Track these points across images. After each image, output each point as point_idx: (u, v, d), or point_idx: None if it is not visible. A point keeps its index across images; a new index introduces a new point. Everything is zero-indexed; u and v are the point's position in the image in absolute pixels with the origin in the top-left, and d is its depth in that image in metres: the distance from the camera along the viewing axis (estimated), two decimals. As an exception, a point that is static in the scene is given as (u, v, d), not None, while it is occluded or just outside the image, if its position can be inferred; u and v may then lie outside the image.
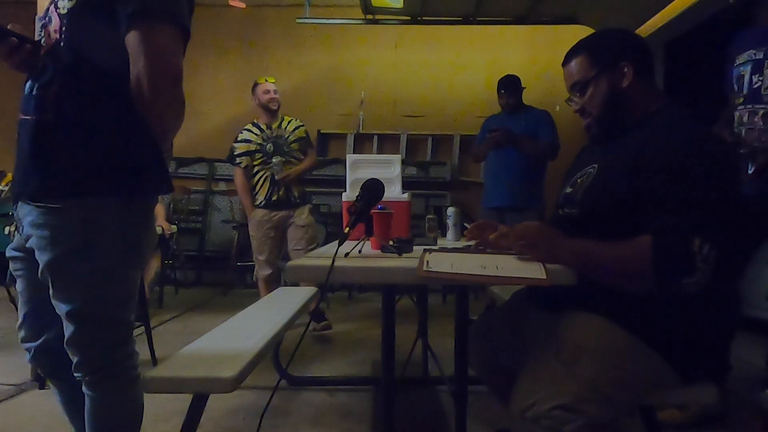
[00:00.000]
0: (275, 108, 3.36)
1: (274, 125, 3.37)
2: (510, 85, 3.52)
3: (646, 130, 1.17)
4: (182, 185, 5.23)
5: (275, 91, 3.36)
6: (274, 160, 3.29)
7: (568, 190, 1.31)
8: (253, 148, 3.36)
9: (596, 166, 1.26)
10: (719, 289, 1.12)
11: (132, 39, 1.04)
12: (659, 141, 1.11)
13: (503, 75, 3.62)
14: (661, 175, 1.07)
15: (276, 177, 3.29)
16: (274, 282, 3.42)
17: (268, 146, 3.33)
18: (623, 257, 1.07)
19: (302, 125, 3.46)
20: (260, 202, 3.37)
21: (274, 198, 3.33)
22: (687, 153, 1.07)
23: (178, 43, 1.09)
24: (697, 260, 1.00)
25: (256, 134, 3.37)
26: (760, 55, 1.97)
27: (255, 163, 3.36)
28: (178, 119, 1.15)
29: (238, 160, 3.38)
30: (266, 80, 3.38)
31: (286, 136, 3.37)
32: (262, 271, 3.43)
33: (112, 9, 1.05)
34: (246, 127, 3.43)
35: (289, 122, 3.42)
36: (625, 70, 1.24)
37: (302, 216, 3.38)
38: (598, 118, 1.28)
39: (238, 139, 3.41)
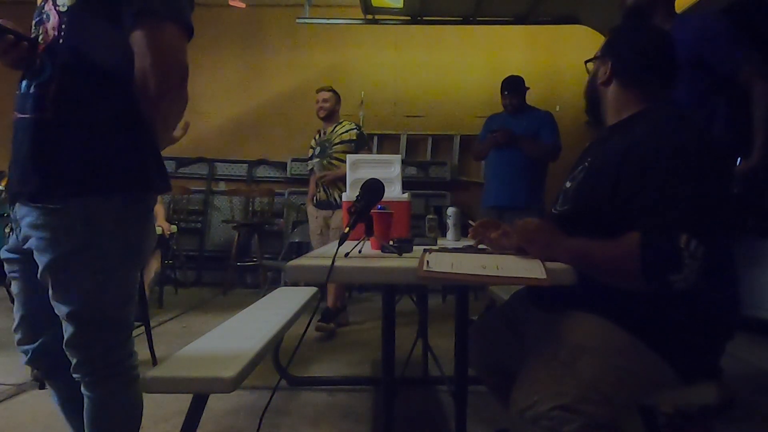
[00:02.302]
0: (322, 116, 3.62)
1: (329, 130, 3.61)
2: (513, 86, 3.51)
3: (635, 129, 1.18)
4: (182, 185, 5.23)
5: (324, 100, 3.60)
6: (314, 161, 3.57)
7: (568, 184, 1.32)
8: (311, 153, 3.67)
9: (590, 160, 1.26)
10: (717, 287, 1.12)
11: (138, 37, 1.03)
12: (646, 140, 1.12)
13: (504, 75, 3.61)
14: (648, 174, 1.07)
15: (314, 177, 3.60)
16: None
17: (317, 150, 3.60)
18: (613, 255, 1.07)
19: (354, 128, 3.59)
20: (314, 201, 3.68)
21: (318, 198, 3.63)
22: (673, 151, 1.08)
23: (183, 40, 1.08)
24: (684, 256, 1.00)
25: (315, 140, 3.69)
26: None
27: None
28: (180, 117, 1.15)
29: (308, 163, 3.74)
30: (320, 90, 3.65)
31: (333, 139, 3.55)
32: None
33: (114, 8, 1.04)
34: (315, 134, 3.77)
35: (343, 126, 3.60)
36: (603, 69, 1.27)
37: (336, 219, 3.52)
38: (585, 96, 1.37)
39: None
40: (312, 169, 3.69)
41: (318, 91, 3.68)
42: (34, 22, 1.13)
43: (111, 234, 1.08)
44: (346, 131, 3.57)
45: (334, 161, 3.53)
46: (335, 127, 3.61)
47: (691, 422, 1.82)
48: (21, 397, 2.27)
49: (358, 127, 3.63)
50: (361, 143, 3.58)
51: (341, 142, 3.54)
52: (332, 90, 3.66)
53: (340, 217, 3.47)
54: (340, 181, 3.49)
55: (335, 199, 3.55)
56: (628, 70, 1.26)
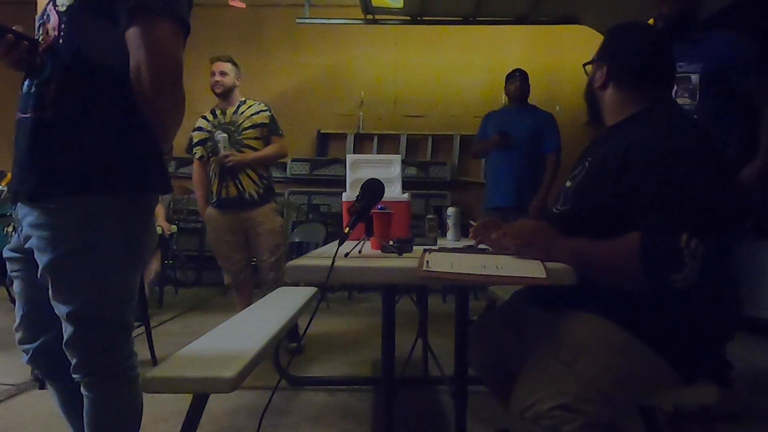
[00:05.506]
0: (219, 92, 2.93)
1: (229, 111, 2.94)
2: (523, 73, 3.51)
3: (635, 129, 1.18)
4: (182, 185, 5.22)
5: (222, 73, 2.91)
6: (217, 136, 2.82)
7: (568, 184, 1.32)
8: (204, 137, 2.95)
9: (590, 159, 1.26)
10: (717, 287, 1.12)
11: (132, 33, 1.03)
12: (646, 139, 1.12)
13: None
14: (649, 174, 1.07)
15: (219, 155, 2.81)
16: (243, 287, 3.04)
17: (217, 134, 2.84)
18: (614, 255, 1.07)
19: (265, 110, 2.95)
20: (213, 200, 2.96)
21: (223, 195, 2.89)
22: (673, 150, 1.08)
23: (178, 37, 1.08)
24: (684, 255, 1.00)
25: (208, 121, 2.97)
26: None
27: (209, 153, 2.95)
28: (179, 115, 1.14)
29: (194, 150, 3.02)
30: (216, 60, 2.97)
31: (240, 121, 2.90)
32: (225, 278, 3.08)
33: (112, 6, 1.04)
34: (204, 114, 3.03)
35: (249, 107, 2.95)
36: (599, 72, 1.27)
37: (263, 220, 2.91)
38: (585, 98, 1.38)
39: (194, 127, 3.03)
40: (201, 157, 2.96)
41: (212, 61, 2.95)
42: (38, 24, 1.14)
43: (111, 234, 1.08)
44: (257, 113, 2.92)
45: (244, 150, 2.85)
46: (238, 106, 2.93)
47: (691, 422, 1.83)
48: (21, 397, 2.27)
49: (269, 108, 2.98)
50: (274, 128, 2.94)
51: (252, 126, 2.88)
52: (231, 61, 2.96)
53: (261, 215, 2.88)
54: (252, 170, 2.87)
55: (251, 195, 2.87)
56: (623, 73, 1.25)
